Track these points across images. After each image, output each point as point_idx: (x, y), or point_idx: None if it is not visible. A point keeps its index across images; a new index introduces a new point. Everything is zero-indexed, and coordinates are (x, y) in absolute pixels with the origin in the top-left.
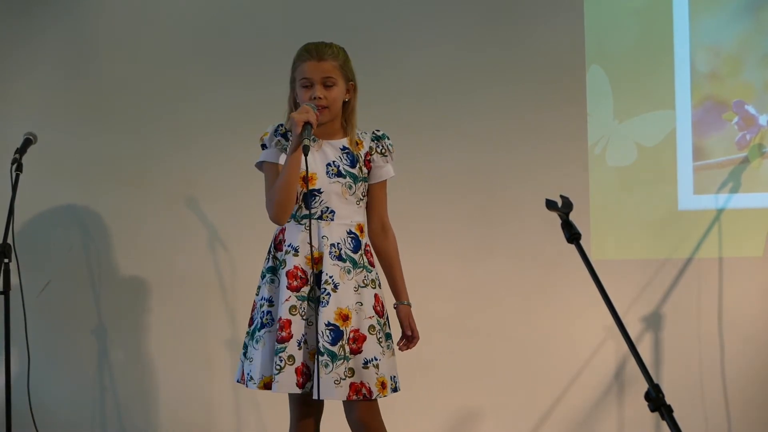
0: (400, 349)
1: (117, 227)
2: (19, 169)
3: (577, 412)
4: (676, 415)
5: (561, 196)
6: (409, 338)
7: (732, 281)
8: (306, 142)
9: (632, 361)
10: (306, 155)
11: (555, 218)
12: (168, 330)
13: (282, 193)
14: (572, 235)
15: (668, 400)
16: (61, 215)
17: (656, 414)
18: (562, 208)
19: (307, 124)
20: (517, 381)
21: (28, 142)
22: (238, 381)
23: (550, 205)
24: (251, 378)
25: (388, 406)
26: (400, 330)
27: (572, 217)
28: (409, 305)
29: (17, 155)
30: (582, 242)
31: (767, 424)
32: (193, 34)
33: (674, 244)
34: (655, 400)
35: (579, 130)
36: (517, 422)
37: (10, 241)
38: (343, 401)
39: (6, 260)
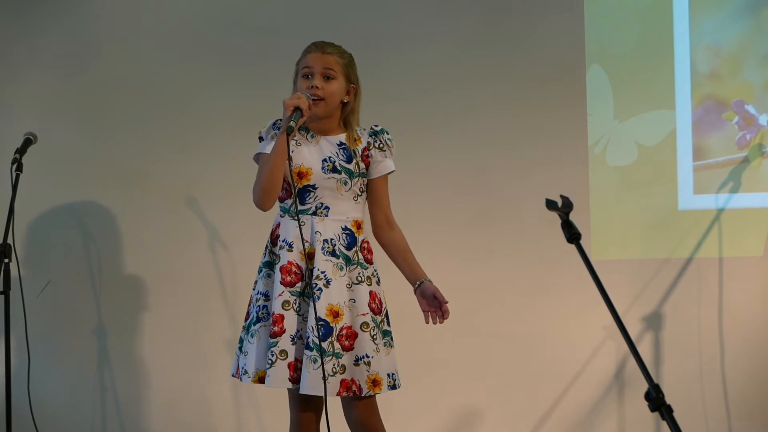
0: (436, 322)
1: (117, 227)
2: (19, 169)
3: (577, 412)
4: (676, 415)
5: (561, 196)
6: (442, 308)
7: (732, 281)
8: (291, 123)
9: (632, 361)
10: (288, 136)
11: (555, 218)
12: (168, 330)
13: (265, 177)
14: (572, 235)
15: (668, 400)
16: (61, 215)
17: (656, 414)
18: (562, 208)
19: (296, 109)
20: (517, 381)
21: (28, 142)
22: (233, 375)
23: (550, 204)
24: (246, 372)
25: (388, 405)
26: (423, 311)
27: (572, 216)
28: (431, 281)
29: (17, 155)
30: (582, 242)
31: (767, 424)
32: (193, 33)
33: (674, 244)
34: (655, 400)
35: (579, 129)
36: (517, 422)
37: (10, 241)
38: (341, 400)
39: (6, 260)
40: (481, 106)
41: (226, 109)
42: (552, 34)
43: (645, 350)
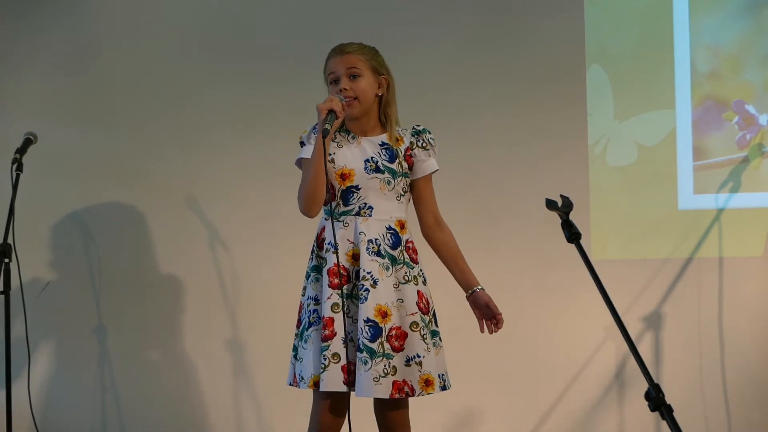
0: (491, 332)
1: (117, 227)
2: (20, 168)
3: (577, 412)
4: (676, 414)
5: (561, 196)
6: (496, 318)
7: (732, 281)
8: (327, 126)
9: (632, 361)
10: (325, 138)
11: (555, 218)
12: (168, 330)
13: (308, 184)
14: (572, 234)
15: (668, 399)
16: (61, 215)
17: (656, 414)
18: (563, 208)
19: (330, 111)
20: (517, 381)
21: (28, 142)
22: (290, 384)
23: (551, 204)
24: (302, 378)
25: None
26: (478, 319)
27: (572, 216)
28: (484, 289)
29: (17, 155)
30: (582, 242)
31: (767, 424)
32: (194, 33)
33: (674, 244)
34: (656, 399)
35: (579, 129)
36: (517, 422)
37: (10, 241)
38: (374, 400)
39: (6, 260)
40: (481, 106)
41: (226, 108)
42: (552, 34)
43: (645, 350)
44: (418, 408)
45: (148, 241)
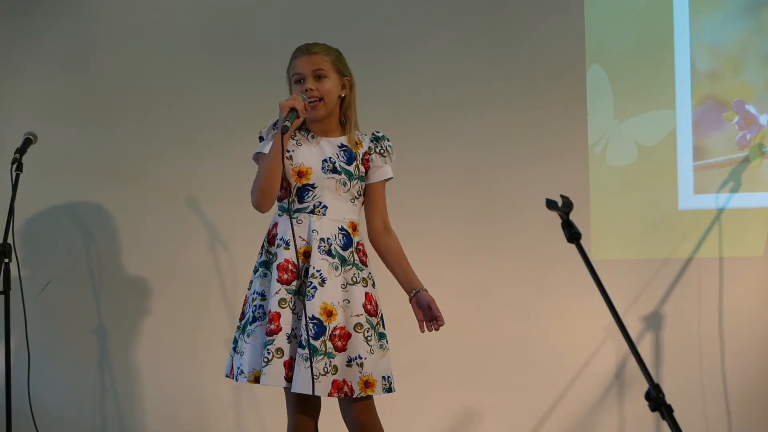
0: (431, 330)
1: (117, 227)
2: (20, 168)
3: (577, 412)
4: (676, 414)
5: (561, 196)
6: (437, 320)
7: (732, 281)
8: (287, 123)
9: (632, 361)
10: (283, 135)
11: (555, 218)
12: (168, 330)
13: (263, 179)
14: (572, 234)
15: (668, 399)
16: (61, 215)
17: (656, 414)
18: (562, 208)
19: (292, 110)
20: (517, 381)
21: (28, 142)
22: (227, 376)
23: (550, 204)
24: (242, 372)
25: (387, 406)
26: (419, 320)
27: (572, 216)
28: (426, 290)
29: (17, 155)
30: (582, 242)
31: (767, 424)
32: (193, 33)
33: (674, 244)
34: (656, 399)
35: (579, 129)
36: (517, 422)
37: (10, 241)
38: (338, 401)
39: (6, 260)
40: (481, 105)
41: (226, 108)
42: (552, 34)
43: (645, 350)
44: (418, 408)
45: (148, 241)
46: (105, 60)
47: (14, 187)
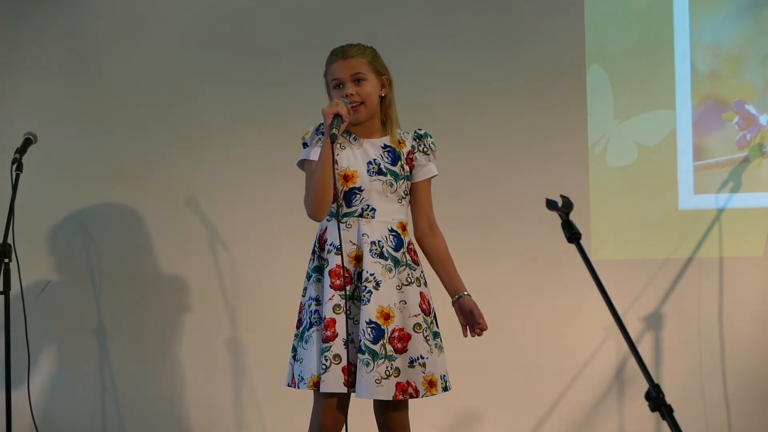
0: (474, 335)
1: (117, 227)
2: (20, 168)
3: (577, 412)
4: (676, 415)
5: (561, 196)
6: (479, 325)
7: (732, 281)
8: (334, 131)
9: (632, 361)
10: (333, 143)
11: (555, 218)
12: (168, 330)
13: (316, 187)
14: (572, 234)
15: (668, 399)
16: (61, 215)
17: (656, 414)
18: (563, 208)
19: (336, 116)
20: (517, 381)
21: (28, 142)
22: (288, 385)
23: (550, 204)
24: (302, 379)
25: None
26: (461, 324)
27: (572, 216)
28: (470, 295)
29: (17, 155)
30: (582, 242)
31: (767, 424)
32: (194, 33)
33: (674, 244)
34: (656, 399)
35: (579, 129)
36: (517, 422)
37: (10, 241)
38: (374, 401)
39: (6, 260)
40: (481, 105)
41: (226, 108)
42: (552, 34)
43: (645, 350)
44: (418, 408)
45: (148, 241)
46: (105, 60)
47: (14, 187)
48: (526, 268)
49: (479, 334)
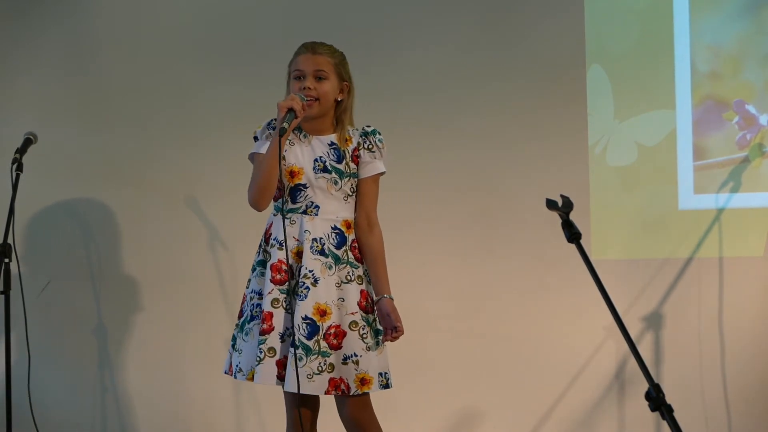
0: (387, 340)
1: (117, 227)
2: (19, 169)
3: (577, 412)
4: (676, 414)
5: (561, 196)
6: (396, 330)
7: (732, 281)
8: (285, 125)
9: (632, 361)
10: (281, 137)
11: (555, 218)
12: (168, 329)
13: (261, 178)
14: (572, 234)
15: (668, 399)
16: (61, 215)
17: (656, 414)
18: (563, 208)
19: (290, 110)
20: (517, 381)
21: (28, 142)
22: (225, 372)
23: (551, 204)
24: (240, 369)
25: (387, 405)
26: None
27: (572, 216)
28: (391, 299)
29: (17, 155)
30: (582, 242)
31: (767, 424)
32: (193, 33)
33: (674, 244)
34: (656, 399)
35: (579, 129)
36: (517, 422)
37: (10, 241)
38: (335, 398)
39: (6, 260)
40: (481, 105)
41: (226, 108)
42: (552, 33)
43: (645, 350)
44: (418, 408)
45: (148, 241)
46: (105, 60)
47: (14, 187)
48: (526, 268)
49: (393, 340)
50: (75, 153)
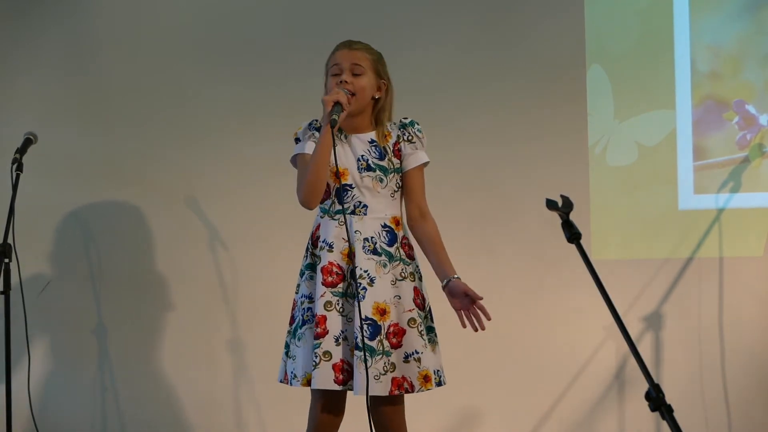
0: (472, 326)
1: (117, 227)
2: (20, 169)
3: (577, 412)
4: (676, 414)
5: (561, 196)
6: (477, 304)
7: (732, 281)
8: (335, 117)
9: (632, 361)
10: (333, 128)
11: (555, 218)
12: (168, 329)
13: (311, 174)
14: (572, 234)
15: (668, 399)
16: (61, 215)
17: (656, 414)
18: (563, 208)
19: (336, 103)
20: (517, 381)
21: (28, 142)
22: (281, 381)
23: (551, 204)
24: (295, 376)
25: None
26: (457, 312)
27: (572, 216)
28: (459, 278)
29: (17, 155)
30: (582, 242)
31: (767, 424)
32: (194, 33)
33: (674, 244)
34: (656, 399)
35: (579, 129)
36: (517, 422)
37: (10, 241)
38: (369, 399)
39: (6, 260)
40: (481, 105)
41: (226, 108)
42: (552, 33)
43: (645, 350)
44: (418, 408)
45: (148, 241)
46: (105, 60)
47: (14, 187)
48: (526, 268)
49: (481, 326)
50: (75, 153)
